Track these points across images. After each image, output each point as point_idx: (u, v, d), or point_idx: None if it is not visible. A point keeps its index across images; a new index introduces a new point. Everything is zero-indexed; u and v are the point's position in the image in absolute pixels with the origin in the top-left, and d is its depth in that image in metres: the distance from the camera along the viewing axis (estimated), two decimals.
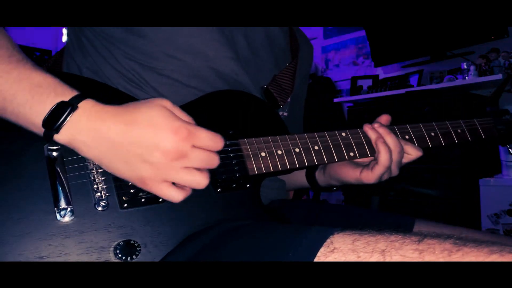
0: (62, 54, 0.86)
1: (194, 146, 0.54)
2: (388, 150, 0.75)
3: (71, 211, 0.54)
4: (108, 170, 0.54)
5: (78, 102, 0.52)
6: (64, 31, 4.43)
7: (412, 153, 0.79)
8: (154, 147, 0.51)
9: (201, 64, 0.75)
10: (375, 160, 0.76)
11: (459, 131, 0.88)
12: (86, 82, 0.68)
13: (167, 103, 0.55)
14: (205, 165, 0.55)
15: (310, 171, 0.92)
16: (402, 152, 0.77)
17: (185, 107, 0.70)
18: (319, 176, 0.90)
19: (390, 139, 0.76)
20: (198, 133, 0.54)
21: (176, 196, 0.54)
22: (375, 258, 0.42)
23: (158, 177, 0.53)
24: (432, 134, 0.85)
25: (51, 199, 0.54)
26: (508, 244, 0.40)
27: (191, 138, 0.53)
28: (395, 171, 0.78)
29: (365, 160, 0.80)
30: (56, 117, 0.50)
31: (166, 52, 0.73)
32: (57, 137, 0.51)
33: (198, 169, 0.54)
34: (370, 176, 0.77)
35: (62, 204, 0.54)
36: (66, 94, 0.52)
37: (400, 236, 0.44)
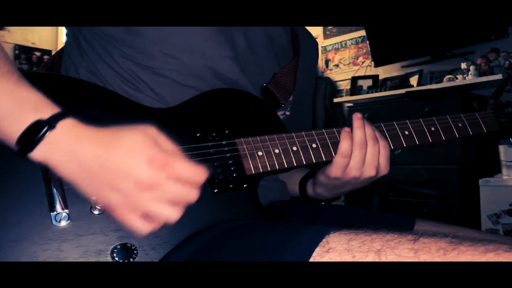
0: (61, 54, 0.86)
1: (169, 178, 0.50)
2: (348, 139, 0.71)
3: (67, 215, 0.54)
4: (78, 191, 0.51)
5: (57, 121, 0.50)
6: (64, 31, 4.43)
7: (383, 146, 0.74)
8: (126, 174, 0.49)
9: (199, 63, 0.75)
10: None
11: (460, 125, 0.87)
12: (82, 85, 0.68)
13: (151, 131, 0.52)
14: (179, 199, 0.51)
15: (304, 179, 0.88)
16: (361, 141, 0.72)
17: (181, 106, 0.70)
18: (308, 186, 0.86)
19: (356, 130, 0.72)
20: (176, 164, 0.50)
21: (141, 229, 0.50)
22: (370, 257, 0.42)
23: (126, 206, 0.49)
24: (433, 129, 0.83)
25: (46, 203, 0.54)
26: (506, 243, 0.40)
27: (166, 168, 0.49)
28: (369, 170, 0.73)
29: None
30: (31, 135, 0.49)
31: (164, 51, 0.73)
32: (31, 155, 0.49)
33: (171, 203, 0.50)
34: (331, 168, 0.73)
35: (58, 208, 0.53)
36: (47, 112, 0.50)
37: (396, 236, 0.44)
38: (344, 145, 0.71)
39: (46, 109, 0.50)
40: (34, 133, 0.49)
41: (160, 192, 0.49)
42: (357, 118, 0.73)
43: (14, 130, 0.49)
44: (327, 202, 0.85)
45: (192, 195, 0.52)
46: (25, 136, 0.49)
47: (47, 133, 0.49)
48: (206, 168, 0.52)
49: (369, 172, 0.73)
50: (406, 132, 0.80)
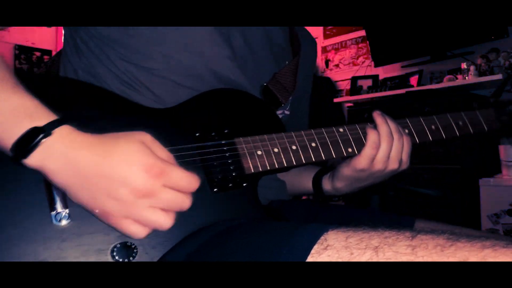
0: (60, 56, 0.86)
1: (165, 186, 0.51)
2: (376, 131, 0.74)
3: (67, 214, 0.54)
4: (73, 199, 0.52)
5: (53, 128, 0.50)
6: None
7: (406, 140, 0.77)
8: (122, 182, 0.49)
9: (197, 63, 0.75)
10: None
11: (460, 123, 0.87)
12: (80, 86, 0.68)
13: (146, 138, 0.53)
14: (173, 206, 0.52)
15: (318, 175, 0.90)
16: (388, 134, 0.75)
17: (180, 106, 0.69)
18: (325, 182, 0.88)
19: (381, 125, 0.75)
20: (172, 173, 0.52)
21: (139, 233, 0.52)
22: (368, 254, 0.42)
23: (121, 213, 0.51)
24: (433, 127, 0.83)
25: (46, 203, 0.54)
26: (503, 240, 0.40)
27: (162, 176, 0.51)
28: (393, 162, 0.76)
29: None
30: (26, 142, 0.49)
31: (161, 52, 0.73)
32: (26, 162, 0.49)
33: (165, 210, 0.52)
34: (359, 159, 0.75)
35: (58, 207, 0.53)
36: (43, 119, 0.50)
37: (394, 233, 0.44)
38: (372, 136, 0.74)
39: (42, 116, 0.51)
40: (30, 139, 0.49)
41: (156, 199, 0.51)
42: (378, 114, 0.77)
43: (9, 137, 0.49)
44: (340, 198, 0.88)
45: (186, 202, 0.53)
46: (20, 143, 0.49)
47: (43, 140, 0.49)
48: (198, 176, 0.54)
49: (393, 165, 0.76)
50: (406, 131, 0.80)
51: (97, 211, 0.52)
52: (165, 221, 0.52)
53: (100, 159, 0.50)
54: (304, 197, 2.94)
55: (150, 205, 0.51)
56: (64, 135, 0.50)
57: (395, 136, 0.76)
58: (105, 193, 0.50)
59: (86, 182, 0.50)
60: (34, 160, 0.49)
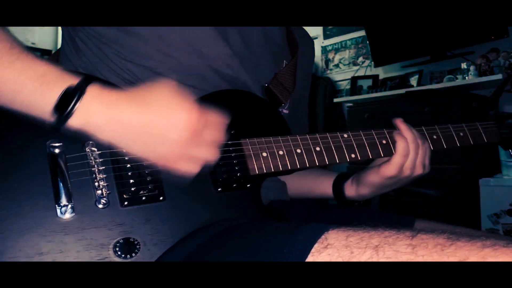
0: (58, 56, 0.86)
1: (206, 125, 0.57)
2: (404, 139, 0.77)
3: (71, 208, 0.54)
4: (124, 151, 0.56)
5: (86, 86, 0.52)
6: None
7: (427, 147, 0.81)
8: (171, 128, 0.54)
9: (197, 62, 0.75)
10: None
11: (461, 134, 0.89)
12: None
13: (174, 84, 0.57)
14: (215, 142, 0.59)
15: (338, 182, 0.92)
16: (416, 141, 0.78)
17: None
18: (348, 187, 0.90)
19: (407, 132, 0.79)
20: (207, 113, 0.57)
21: (193, 169, 0.58)
22: (368, 253, 0.42)
23: (176, 155, 0.56)
24: (435, 137, 0.86)
25: (52, 195, 0.54)
26: (503, 239, 0.40)
27: (203, 117, 0.56)
28: (419, 168, 0.79)
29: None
30: (67, 102, 0.51)
31: (160, 50, 0.73)
32: (71, 122, 0.51)
33: (210, 145, 0.58)
34: (389, 167, 0.78)
35: (63, 201, 0.54)
36: (73, 79, 0.52)
37: (394, 232, 0.45)
38: (402, 144, 0.77)
39: (70, 77, 0.53)
40: (69, 99, 0.51)
41: (201, 138, 0.56)
42: (401, 122, 0.80)
43: (45, 102, 0.51)
44: (361, 202, 0.91)
45: (221, 136, 0.60)
46: (60, 105, 0.51)
47: (81, 98, 0.51)
48: (223, 114, 0.60)
49: (419, 170, 0.80)
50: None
51: (152, 158, 0.56)
52: (213, 155, 0.59)
53: (142, 110, 0.53)
54: None
55: (198, 143, 0.56)
56: (97, 92, 0.53)
57: (419, 142, 0.79)
58: (157, 141, 0.54)
59: (135, 134, 0.53)
60: (77, 120, 0.51)
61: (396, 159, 0.77)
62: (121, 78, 0.73)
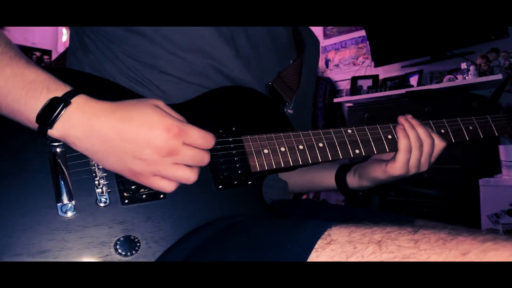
0: (65, 55, 0.87)
1: (185, 144, 0.55)
2: (406, 136, 0.77)
3: (73, 206, 0.54)
4: (100, 164, 0.56)
5: (71, 98, 0.53)
6: (64, 31, 4.43)
7: (437, 143, 0.81)
8: (147, 143, 0.53)
9: (202, 62, 0.75)
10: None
11: (470, 128, 0.87)
12: (88, 78, 0.68)
13: (160, 103, 0.57)
14: (195, 162, 0.56)
15: (340, 174, 0.92)
16: (418, 139, 0.78)
17: (189, 103, 0.70)
18: (350, 178, 0.90)
19: (409, 129, 0.78)
20: (190, 131, 0.55)
21: (168, 187, 0.56)
22: (371, 248, 0.42)
23: (149, 172, 0.55)
24: (442, 131, 0.84)
25: (53, 194, 0.54)
26: (504, 234, 0.41)
27: (182, 135, 0.54)
28: (424, 164, 0.80)
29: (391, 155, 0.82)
30: (49, 112, 0.52)
31: (167, 50, 0.73)
32: (51, 132, 0.52)
33: (188, 166, 0.56)
34: (395, 166, 0.78)
35: (64, 199, 0.54)
36: (59, 90, 0.53)
37: (396, 228, 0.45)
38: (403, 141, 0.77)
39: (58, 88, 0.53)
40: (52, 109, 0.52)
41: (179, 157, 0.55)
42: (404, 119, 0.80)
43: (30, 109, 0.52)
44: (365, 191, 0.93)
45: (205, 158, 0.57)
46: (43, 114, 0.52)
47: (64, 109, 0.52)
48: (212, 135, 0.58)
49: (424, 167, 0.80)
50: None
51: (125, 173, 0.55)
52: (191, 175, 0.56)
53: (122, 124, 0.53)
54: (304, 196, 2.95)
55: (174, 162, 0.55)
56: (82, 103, 0.53)
57: (425, 139, 0.79)
58: (132, 156, 0.54)
59: (112, 146, 0.53)
60: (57, 130, 0.52)
61: (400, 156, 0.77)
62: (127, 76, 0.74)
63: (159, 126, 0.53)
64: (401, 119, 0.80)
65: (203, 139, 0.57)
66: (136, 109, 0.55)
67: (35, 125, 0.53)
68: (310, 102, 1.06)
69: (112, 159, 0.54)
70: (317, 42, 1.08)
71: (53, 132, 0.52)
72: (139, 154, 0.53)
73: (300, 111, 0.96)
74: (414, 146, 0.77)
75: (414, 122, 0.79)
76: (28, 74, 0.53)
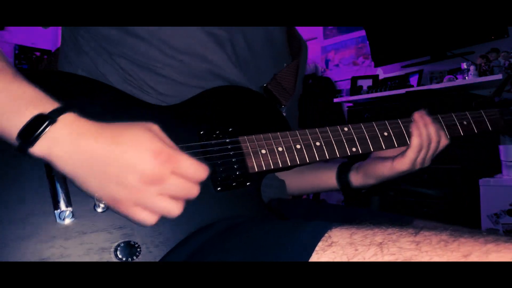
0: (57, 56, 0.86)
1: (173, 172, 0.51)
2: (420, 134, 0.78)
3: (71, 213, 0.54)
4: (81, 188, 0.51)
5: (58, 116, 0.49)
6: None
7: (442, 141, 0.82)
8: (132, 168, 0.49)
9: (199, 65, 0.75)
10: (408, 145, 0.79)
11: (465, 123, 0.88)
12: (83, 81, 0.67)
13: (155, 127, 0.53)
14: (182, 194, 0.52)
15: (343, 173, 0.92)
16: (429, 137, 0.79)
17: (185, 104, 0.69)
18: (354, 177, 0.90)
19: (423, 127, 0.79)
20: (180, 159, 0.51)
21: (148, 220, 0.51)
22: (373, 250, 0.42)
23: (131, 200, 0.50)
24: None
25: (50, 201, 0.54)
26: (505, 236, 0.41)
27: (171, 163, 0.50)
28: (428, 161, 0.81)
29: (395, 154, 0.82)
30: (32, 130, 0.48)
31: (163, 52, 0.73)
32: (32, 150, 0.49)
33: (173, 197, 0.52)
34: (403, 162, 0.79)
35: (62, 206, 0.53)
36: (47, 106, 0.50)
37: (397, 229, 0.45)
38: (416, 140, 0.78)
39: (45, 104, 0.50)
40: (35, 127, 0.48)
41: (164, 186, 0.50)
42: (419, 116, 0.80)
43: (13, 125, 0.49)
44: (367, 189, 0.92)
45: (194, 191, 0.53)
46: (25, 131, 0.48)
47: (48, 127, 0.48)
48: (207, 166, 0.54)
49: (427, 163, 0.82)
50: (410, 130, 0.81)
51: (106, 199, 0.51)
52: (174, 209, 0.51)
53: (108, 146, 0.49)
54: (304, 196, 2.94)
55: (159, 192, 0.50)
56: (69, 122, 0.50)
57: (434, 137, 0.80)
58: (114, 180, 0.49)
59: (94, 169, 0.49)
60: (40, 148, 0.49)
61: (410, 153, 0.78)
62: (122, 78, 0.73)
63: (147, 151, 0.49)
64: (416, 116, 0.80)
65: (194, 169, 0.52)
66: (126, 131, 0.51)
67: (16, 142, 0.49)
68: (296, 104, 1.06)
69: (93, 183, 0.50)
70: (306, 46, 1.08)
71: (35, 150, 0.49)
72: (122, 179, 0.49)
73: (289, 112, 0.97)
74: (425, 144, 0.78)
75: (427, 119, 0.80)
76: (14, 89, 0.50)
